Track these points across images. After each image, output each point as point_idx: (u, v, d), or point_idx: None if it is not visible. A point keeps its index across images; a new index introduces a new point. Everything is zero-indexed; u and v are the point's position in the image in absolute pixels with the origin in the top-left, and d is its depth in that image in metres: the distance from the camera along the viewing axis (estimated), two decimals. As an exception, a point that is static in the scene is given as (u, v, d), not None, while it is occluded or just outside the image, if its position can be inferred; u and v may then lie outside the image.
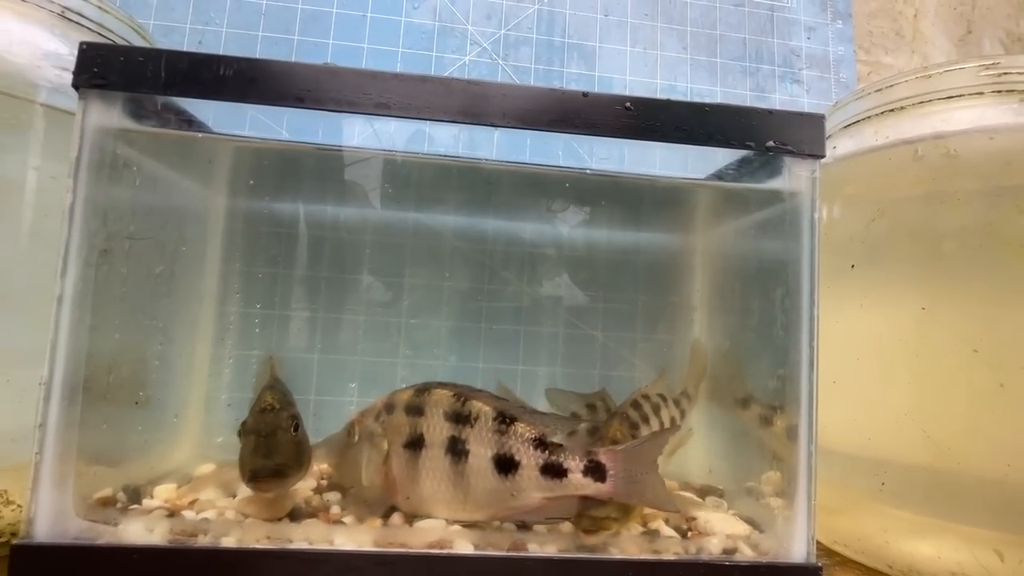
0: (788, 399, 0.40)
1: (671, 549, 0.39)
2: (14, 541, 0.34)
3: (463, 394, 0.40)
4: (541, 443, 0.38)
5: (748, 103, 0.77)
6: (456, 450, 0.39)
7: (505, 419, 0.39)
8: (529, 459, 0.38)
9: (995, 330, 0.41)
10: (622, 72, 0.76)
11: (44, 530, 0.34)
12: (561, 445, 0.38)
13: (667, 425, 0.47)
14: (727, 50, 0.78)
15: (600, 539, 0.37)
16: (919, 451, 0.43)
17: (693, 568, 0.37)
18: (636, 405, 0.46)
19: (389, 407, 0.42)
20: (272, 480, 0.37)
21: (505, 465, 0.38)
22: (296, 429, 0.40)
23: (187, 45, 0.69)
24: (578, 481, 0.37)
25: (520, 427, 0.39)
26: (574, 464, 0.38)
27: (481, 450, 0.38)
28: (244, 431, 0.39)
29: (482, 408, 0.39)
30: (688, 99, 0.75)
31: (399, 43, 0.72)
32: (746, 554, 0.39)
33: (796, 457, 0.40)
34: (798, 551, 0.39)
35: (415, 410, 0.41)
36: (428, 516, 0.40)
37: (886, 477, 0.45)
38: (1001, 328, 0.41)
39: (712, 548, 0.39)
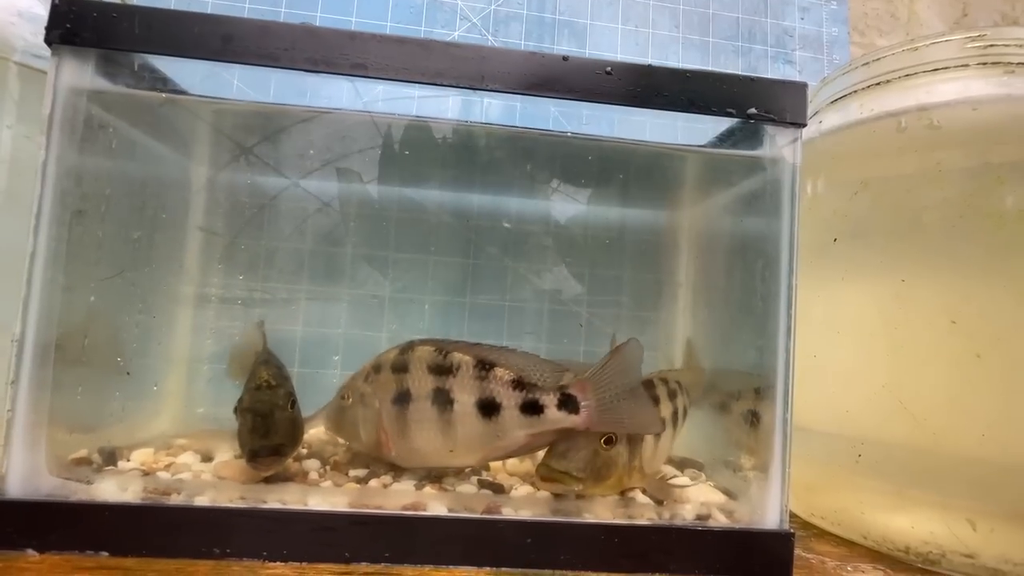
0: (764, 371, 0.40)
1: (645, 514, 0.39)
2: (-14, 497, 0.34)
3: (444, 347, 0.41)
4: (519, 383, 0.39)
5: (732, 72, 0.77)
6: (442, 400, 0.39)
7: (484, 366, 0.39)
8: (508, 400, 0.39)
9: (973, 302, 0.41)
10: (613, 50, 0.75)
11: (16, 486, 0.34)
12: (536, 384, 0.39)
13: (676, 413, 0.46)
14: (720, 29, 0.78)
15: (554, 489, 0.38)
16: (895, 423, 0.43)
17: (665, 533, 0.37)
18: (650, 385, 0.44)
19: (376, 368, 0.42)
20: (271, 459, 0.37)
21: (488, 408, 0.39)
22: (292, 406, 0.40)
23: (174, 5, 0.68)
24: (554, 416, 0.38)
25: (498, 371, 0.39)
26: (549, 399, 0.38)
27: (464, 397, 0.39)
28: (241, 409, 0.39)
29: (462, 358, 0.40)
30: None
31: (388, 17, 0.71)
32: (720, 521, 0.39)
33: (771, 427, 0.40)
34: (771, 518, 0.39)
35: (400, 367, 0.41)
36: (422, 466, 0.41)
37: (863, 450, 0.45)
38: (979, 299, 0.41)
39: (686, 514, 0.39)
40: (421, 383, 0.40)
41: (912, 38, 0.49)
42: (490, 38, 0.73)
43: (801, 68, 0.79)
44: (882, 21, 0.83)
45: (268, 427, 0.38)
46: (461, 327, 0.59)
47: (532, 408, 0.38)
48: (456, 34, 0.73)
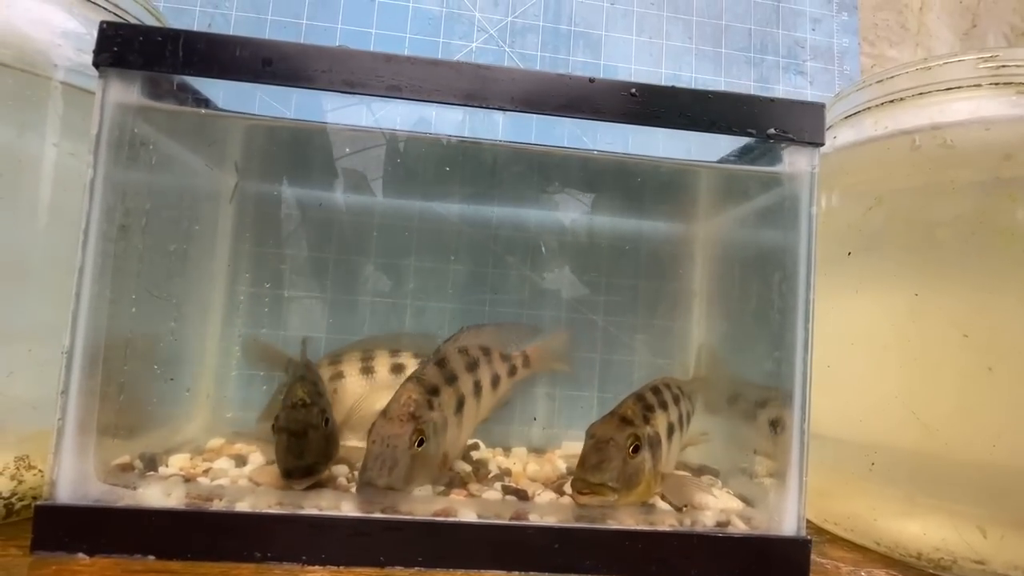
0: (783, 381, 0.42)
1: (666, 521, 0.40)
2: (38, 502, 0.35)
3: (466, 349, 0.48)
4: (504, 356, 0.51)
5: (761, 94, 0.78)
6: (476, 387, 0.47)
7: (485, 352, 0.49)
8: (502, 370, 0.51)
9: (985, 316, 0.42)
10: (627, 61, 0.76)
11: (66, 492, 0.36)
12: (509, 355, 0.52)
13: (681, 418, 0.49)
14: (732, 40, 0.79)
15: (592, 502, 0.39)
16: (908, 433, 0.44)
17: (687, 539, 0.39)
18: (656, 391, 0.47)
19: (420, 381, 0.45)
20: (305, 479, 0.39)
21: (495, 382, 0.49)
22: (326, 424, 0.42)
23: (197, 28, 0.69)
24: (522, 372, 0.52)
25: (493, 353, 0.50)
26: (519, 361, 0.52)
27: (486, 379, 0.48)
28: (277, 428, 0.40)
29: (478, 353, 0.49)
30: (707, 89, 0.76)
31: (407, 28, 0.73)
32: (739, 527, 0.41)
33: (789, 436, 0.41)
34: (789, 525, 0.40)
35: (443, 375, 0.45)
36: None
37: (876, 458, 0.46)
38: (991, 314, 0.42)
39: (706, 521, 0.41)
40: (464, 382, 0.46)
41: (925, 57, 0.50)
42: (507, 49, 0.74)
43: (812, 79, 0.80)
44: (892, 32, 0.84)
45: (302, 447, 0.39)
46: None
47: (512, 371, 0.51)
48: (474, 45, 0.74)
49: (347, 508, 0.38)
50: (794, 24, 0.81)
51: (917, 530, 0.43)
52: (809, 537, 0.40)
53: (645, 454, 0.40)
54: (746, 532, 0.40)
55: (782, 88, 0.79)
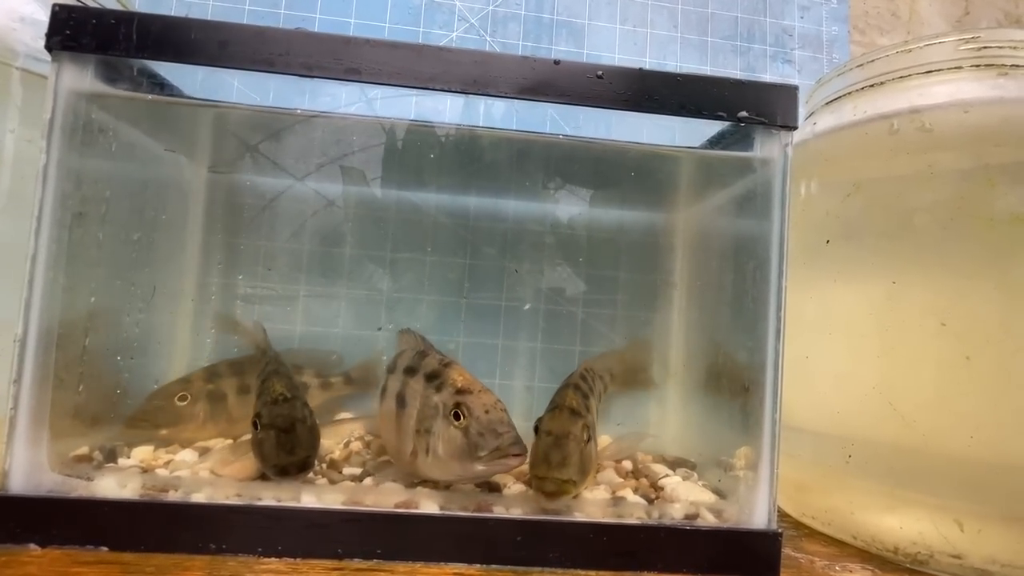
0: (753, 369, 0.41)
1: (634, 513, 0.39)
2: (-10, 492, 0.35)
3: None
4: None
5: (721, 75, 0.77)
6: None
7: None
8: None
9: (963, 303, 0.41)
10: (611, 50, 0.75)
11: (19, 482, 0.35)
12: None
13: (599, 397, 0.49)
14: (718, 29, 0.78)
15: (561, 501, 0.38)
16: (885, 425, 0.43)
17: (654, 532, 0.38)
18: (583, 377, 0.48)
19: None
20: (299, 473, 0.38)
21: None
22: (310, 416, 0.41)
23: (175, 12, 0.68)
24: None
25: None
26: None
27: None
28: (262, 425, 0.39)
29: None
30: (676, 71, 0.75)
31: (386, 18, 0.72)
32: (708, 520, 0.40)
33: (760, 428, 0.40)
34: (759, 518, 0.39)
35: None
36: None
37: (853, 450, 0.45)
38: (969, 302, 0.41)
39: (675, 514, 0.40)
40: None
41: (907, 40, 0.48)
42: (488, 39, 0.73)
43: (800, 67, 0.79)
44: (883, 19, 0.83)
45: (293, 442, 0.39)
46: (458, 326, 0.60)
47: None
48: (455, 35, 0.73)
49: (307, 500, 0.38)
50: (782, 12, 0.79)
51: (894, 524, 0.42)
52: (780, 530, 0.39)
53: (593, 441, 0.40)
54: (715, 525, 0.39)
55: (769, 77, 0.77)
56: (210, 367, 0.51)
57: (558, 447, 0.38)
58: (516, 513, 0.38)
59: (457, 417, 0.37)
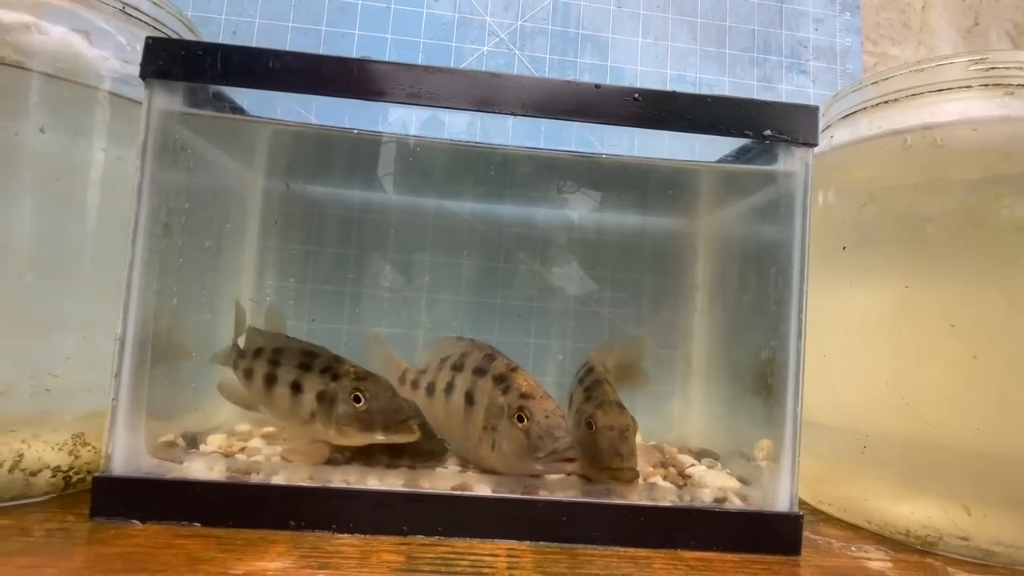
0: (776, 367, 0.44)
1: (667, 497, 0.43)
2: (95, 474, 0.39)
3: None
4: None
5: (755, 93, 0.80)
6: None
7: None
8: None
9: (970, 307, 0.44)
10: (633, 62, 0.79)
11: (120, 465, 0.40)
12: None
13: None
14: (736, 41, 0.81)
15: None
16: (898, 418, 0.47)
17: (687, 514, 0.42)
18: (593, 370, 0.52)
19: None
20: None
21: None
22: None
23: (222, 35, 0.73)
24: None
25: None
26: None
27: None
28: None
29: None
30: (697, 89, 0.79)
31: (421, 34, 0.76)
32: (735, 503, 0.43)
33: (783, 421, 0.44)
34: (782, 502, 0.43)
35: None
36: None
37: (867, 442, 0.49)
38: (976, 305, 0.44)
39: (704, 497, 0.44)
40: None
41: (920, 60, 0.52)
42: (517, 53, 0.77)
43: (815, 78, 0.82)
44: (895, 31, 0.86)
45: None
46: (492, 326, 0.64)
47: None
48: (485, 48, 0.77)
49: (372, 483, 0.42)
50: (797, 24, 0.83)
51: (906, 510, 0.46)
52: (801, 513, 0.42)
53: None
54: (742, 507, 0.43)
55: (785, 88, 0.81)
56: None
57: (624, 440, 0.43)
58: (560, 496, 0.42)
59: (520, 419, 0.41)
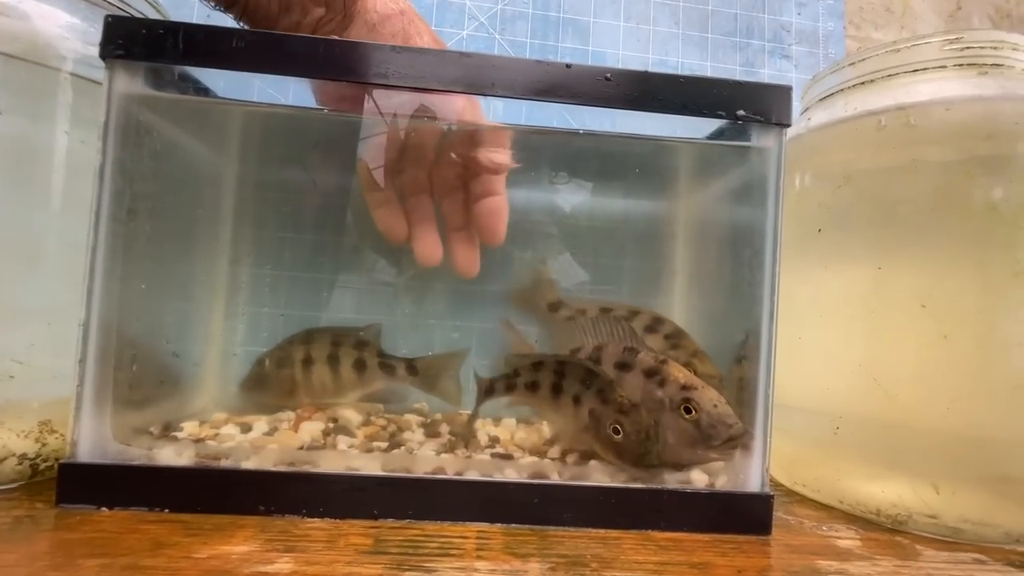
0: (749, 348, 0.44)
1: (636, 479, 0.43)
2: (61, 460, 0.39)
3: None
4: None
5: (737, 78, 0.80)
6: None
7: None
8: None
9: (942, 287, 0.45)
10: (615, 47, 0.78)
11: (86, 451, 0.39)
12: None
13: None
14: (718, 25, 0.81)
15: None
16: (870, 399, 0.47)
17: (655, 495, 0.42)
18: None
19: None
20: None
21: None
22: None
23: (196, 18, 0.71)
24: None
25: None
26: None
27: None
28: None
29: None
30: (678, 73, 0.78)
31: (399, 17, 0.75)
32: (706, 484, 0.44)
33: (754, 401, 0.44)
34: (753, 483, 0.43)
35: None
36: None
37: (840, 423, 0.49)
38: (947, 285, 0.44)
39: (676, 478, 0.44)
40: None
41: (897, 40, 0.52)
42: (497, 36, 0.76)
43: (797, 62, 0.82)
44: (877, 15, 0.86)
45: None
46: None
47: None
48: (465, 32, 0.76)
49: (345, 467, 0.42)
50: (780, 8, 0.82)
51: (876, 489, 0.46)
52: (772, 493, 0.43)
53: None
54: (711, 488, 0.43)
55: (767, 72, 0.81)
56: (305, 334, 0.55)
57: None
58: (526, 477, 0.42)
59: (688, 411, 0.42)
